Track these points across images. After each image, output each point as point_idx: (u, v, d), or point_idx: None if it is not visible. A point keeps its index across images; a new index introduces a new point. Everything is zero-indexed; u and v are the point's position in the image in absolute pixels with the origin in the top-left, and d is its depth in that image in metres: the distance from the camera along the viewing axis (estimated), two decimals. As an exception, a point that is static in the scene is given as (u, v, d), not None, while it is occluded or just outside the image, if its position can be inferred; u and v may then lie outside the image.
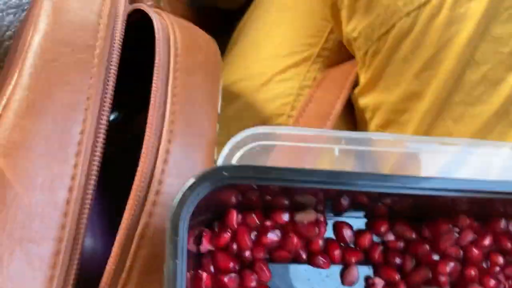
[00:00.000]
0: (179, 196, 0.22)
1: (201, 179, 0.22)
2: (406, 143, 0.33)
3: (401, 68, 0.36)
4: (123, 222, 0.26)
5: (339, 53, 0.42)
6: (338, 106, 0.38)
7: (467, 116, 0.34)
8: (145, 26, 0.32)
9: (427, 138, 0.33)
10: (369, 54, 0.37)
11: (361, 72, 0.39)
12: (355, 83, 0.40)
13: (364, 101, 0.39)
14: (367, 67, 0.38)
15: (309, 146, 0.30)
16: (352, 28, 0.37)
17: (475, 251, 0.29)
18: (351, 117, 0.42)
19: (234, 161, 0.29)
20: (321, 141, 0.31)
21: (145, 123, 0.29)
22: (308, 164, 0.31)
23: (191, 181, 0.22)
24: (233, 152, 0.29)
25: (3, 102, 0.25)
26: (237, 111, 0.40)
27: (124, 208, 0.27)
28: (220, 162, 0.29)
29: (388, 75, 0.36)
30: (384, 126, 0.38)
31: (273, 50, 0.42)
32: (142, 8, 0.32)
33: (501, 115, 0.34)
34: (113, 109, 0.29)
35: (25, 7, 0.43)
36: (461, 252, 0.30)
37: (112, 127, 0.29)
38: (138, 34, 0.33)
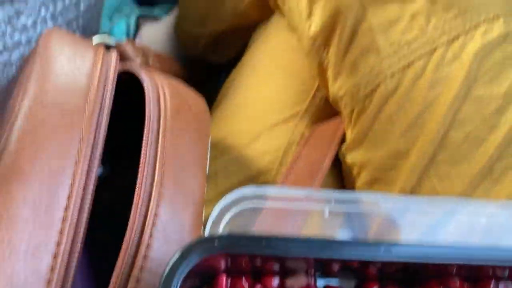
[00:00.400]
0: (168, 267, 0.21)
1: (191, 250, 0.21)
2: (394, 203, 0.32)
3: (387, 127, 0.36)
4: (110, 289, 0.25)
5: (326, 110, 0.42)
6: (326, 163, 0.38)
7: (453, 174, 0.34)
8: (134, 82, 0.32)
9: (415, 198, 0.32)
10: (355, 113, 0.37)
11: (347, 129, 0.39)
12: (342, 139, 0.40)
13: (351, 158, 0.38)
14: (353, 124, 0.38)
15: (298, 207, 0.30)
16: (338, 87, 0.37)
17: (466, 314, 0.29)
18: (339, 172, 0.41)
19: (224, 223, 0.29)
20: (311, 202, 0.30)
21: (132, 178, 0.28)
22: (298, 226, 0.30)
23: (181, 251, 0.21)
24: (223, 214, 0.28)
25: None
26: (224, 166, 0.40)
27: (110, 272, 0.26)
28: (209, 224, 0.28)
29: (374, 133, 0.36)
30: (371, 183, 0.38)
31: (261, 107, 0.42)
32: (132, 70, 0.32)
33: (485, 173, 0.34)
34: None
35: (14, 65, 0.43)
36: (452, 315, 0.29)
37: (98, 182, 0.28)
38: (126, 89, 0.32)
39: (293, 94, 0.42)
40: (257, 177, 0.39)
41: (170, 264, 0.21)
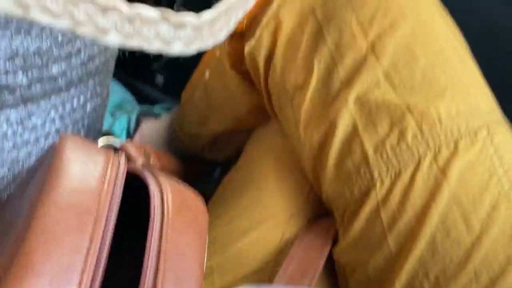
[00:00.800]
0: None
1: None
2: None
3: (378, 231, 0.38)
4: None
5: (319, 209, 0.45)
6: (320, 262, 0.40)
7: (440, 276, 0.36)
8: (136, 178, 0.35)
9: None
10: (347, 215, 0.40)
11: (340, 229, 0.41)
12: (335, 237, 0.43)
13: (344, 258, 0.41)
14: (345, 226, 0.40)
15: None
16: (332, 190, 0.41)
17: None
18: (332, 268, 0.43)
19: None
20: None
21: (136, 270, 0.30)
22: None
23: None
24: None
25: (4, 263, 0.26)
26: (220, 264, 0.42)
27: None
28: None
29: (366, 236, 0.39)
30: (364, 282, 0.39)
31: (257, 207, 0.45)
32: (139, 173, 0.35)
33: (470, 276, 0.36)
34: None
35: (21, 162, 0.46)
36: None
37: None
38: (128, 183, 0.35)
39: (287, 196, 0.45)
40: (252, 276, 0.41)
41: None
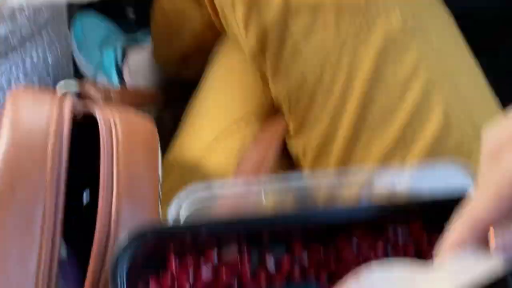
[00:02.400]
0: (114, 256, 0.30)
1: (130, 240, 0.31)
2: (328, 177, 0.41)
3: (318, 112, 0.45)
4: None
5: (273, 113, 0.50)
6: (274, 155, 0.47)
7: (373, 145, 0.43)
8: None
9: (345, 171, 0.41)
10: (292, 104, 0.46)
11: (289, 122, 0.48)
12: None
13: (295, 147, 0.47)
14: (292, 115, 0.47)
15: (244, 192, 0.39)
16: (278, 84, 0.47)
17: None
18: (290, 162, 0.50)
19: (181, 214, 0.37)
20: (254, 186, 0.39)
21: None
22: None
23: (122, 243, 0.31)
24: (179, 207, 0.37)
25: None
26: (182, 175, 0.49)
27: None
28: (169, 216, 0.37)
29: (308, 119, 0.45)
30: (314, 160, 0.46)
31: (216, 115, 0.51)
32: (89, 110, 0.41)
33: (399, 140, 0.42)
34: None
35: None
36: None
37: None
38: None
39: (243, 99, 0.51)
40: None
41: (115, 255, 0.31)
